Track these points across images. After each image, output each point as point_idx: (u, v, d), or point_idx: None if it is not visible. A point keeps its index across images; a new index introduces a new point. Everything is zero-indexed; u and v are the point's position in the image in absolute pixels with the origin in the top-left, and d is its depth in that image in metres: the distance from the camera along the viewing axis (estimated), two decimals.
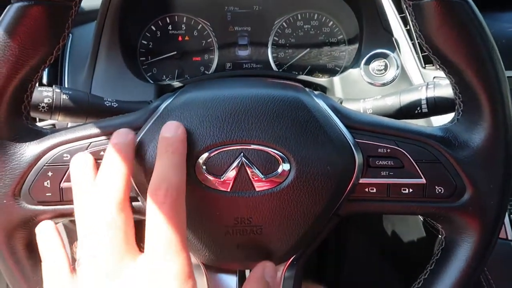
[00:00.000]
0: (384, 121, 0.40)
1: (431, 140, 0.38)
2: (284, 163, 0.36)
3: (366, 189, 0.38)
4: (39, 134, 0.38)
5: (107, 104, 0.52)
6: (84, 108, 0.50)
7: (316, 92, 0.42)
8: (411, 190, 0.38)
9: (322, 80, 0.72)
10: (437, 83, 0.49)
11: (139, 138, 0.37)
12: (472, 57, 0.35)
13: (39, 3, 0.33)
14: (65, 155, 0.37)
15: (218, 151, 0.36)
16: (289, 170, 0.36)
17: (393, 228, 0.82)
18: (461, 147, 0.37)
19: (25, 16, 0.33)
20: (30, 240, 0.38)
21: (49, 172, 0.37)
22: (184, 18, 0.78)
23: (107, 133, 0.38)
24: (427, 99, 0.49)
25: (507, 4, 0.74)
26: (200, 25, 0.78)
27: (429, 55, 0.37)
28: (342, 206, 0.38)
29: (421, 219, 0.71)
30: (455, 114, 0.39)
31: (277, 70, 0.79)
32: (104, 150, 0.37)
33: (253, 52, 0.79)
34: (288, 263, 0.40)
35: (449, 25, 0.35)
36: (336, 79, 0.71)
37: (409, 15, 0.37)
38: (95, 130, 0.38)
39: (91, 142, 0.38)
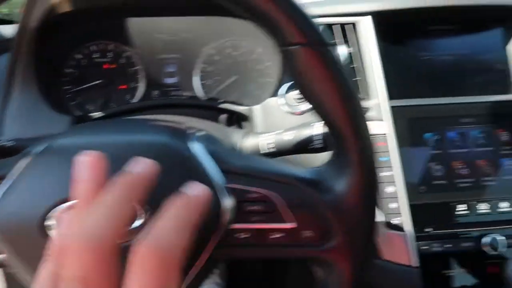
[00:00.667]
0: (260, 164, 0.40)
1: (301, 184, 0.38)
2: (144, 212, 0.36)
3: (236, 234, 0.38)
4: None
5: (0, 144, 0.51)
6: None
7: (199, 134, 0.42)
8: (282, 234, 0.38)
9: (242, 108, 0.72)
10: None
11: (1, 193, 0.37)
12: (336, 104, 0.36)
13: None
14: None
15: (71, 204, 0.35)
16: (147, 220, 0.36)
17: None
18: (330, 190, 0.38)
19: None
20: None
21: None
22: (111, 46, 0.78)
23: None
24: (320, 135, 0.50)
25: (419, 33, 0.76)
26: (127, 52, 0.78)
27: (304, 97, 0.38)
28: (214, 252, 0.38)
29: None
30: (331, 156, 0.40)
31: (205, 97, 0.79)
32: None
33: (181, 80, 0.80)
34: None
35: (313, 70, 0.36)
36: (257, 108, 0.72)
37: (282, 59, 0.38)
38: None
39: None
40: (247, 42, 0.80)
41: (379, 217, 0.59)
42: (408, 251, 0.59)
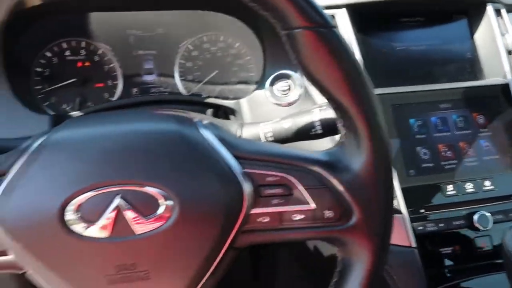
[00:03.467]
0: (273, 149, 0.39)
1: (316, 166, 0.38)
2: (166, 201, 0.34)
3: (259, 219, 0.37)
4: None
5: None
6: None
7: (205, 122, 0.41)
8: (302, 216, 0.37)
9: (229, 102, 0.71)
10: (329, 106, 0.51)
11: (2, 189, 0.33)
12: (348, 87, 0.36)
13: None
14: None
15: (91, 195, 0.33)
16: (172, 209, 0.34)
17: (315, 243, 0.84)
18: (345, 170, 0.38)
19: None
20: None
21: None
22: (83, 43, 0.74)
23: None
24: (320, 120, 0.50)
25: (393, 25, 0.79)
26: (101, 49, 0.74)
27: (309, 82, 0.38)
28: (236, 239, 0.37)
29: None
30: (339, 138, 0.40)
31: (186, 94, 0.77)
32: None
33: (160, 77, 0.77)
34: None
35: (319, 53, 0.35)
36: (243, 101, 0.71)
37: (285, 44, 0.37)
38: None
39: None
40: (225, 37, 0.79)
41: None
42: (405, 232, 0.60)
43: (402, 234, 0.60)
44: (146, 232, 0.34)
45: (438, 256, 0.62)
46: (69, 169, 0.33)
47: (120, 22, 0.76)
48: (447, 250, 0.62)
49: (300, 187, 0.37)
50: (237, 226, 0.37)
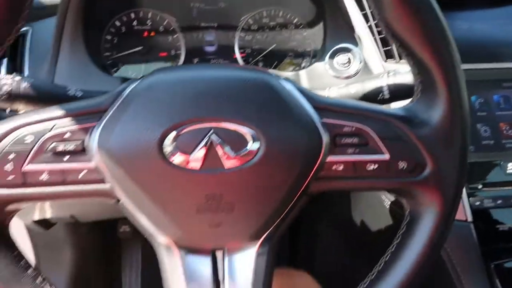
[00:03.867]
0: (349, 102, 0.41)
1: (393, 119, 0.39)
2: (254, 140, 0.36)
3: (333, 167, 0.39)
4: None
5: (71, 93, 0.50)
6: (47, 97, 0.49)
7: (283, 77, 0.43)
8: (376, 166, 0.39)
9: (288, 74, 0.73)
10: (398, 71, 0.52)
11: (103, 123, 0.37)
12: (428, 39, 0.37)
13: None
14: (27, 136, 0.36)
15: (187, 129, 0.36)
16: (258, 148, 0.36)
17: (362, 217, 0.85)
18: (421, 124, 0.39)
19: None
20: None
21: (11, 154, 0.36)
22: (149, 14, 0.78)
23: (72, 115, 0.37)
24: (388, 85, 0.51)
25: (459, 4, 0.78)
26: (166, 20, 0.78)
27: (388, 37, 0.39)
28: (310, 184, 0.39)
29: (388, 206, 0.74)
30: (414, 95, 0.41)
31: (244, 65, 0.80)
32: (69, 132, 0.37)
33: (220, 48, 0.80)
34: (261, 241, 0.40)
35: (405, 9, 0.36)
36: (302, 72, 0.72)
37: (368, 1, 0.38)
38: (59, 112, 0.37)
39: (55, 124, 0.37)
40: (284, 12, 0.81)
41: None
42: (462, 206, 0.60)
43: (459, 208, 0.60)
44: (233, 167, 0.36)
45: (494, 232, 0.62)
46: (168, 105, 0.36)
47: None
48: (504, 227, 0.62)
49: (376, 138, 0.39)
50: (312, 172, 0.39)
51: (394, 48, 0.69)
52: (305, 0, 0.78)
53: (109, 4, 0.76)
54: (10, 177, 0.36)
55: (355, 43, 0.72)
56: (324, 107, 0.40)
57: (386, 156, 0.39)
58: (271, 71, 0.45)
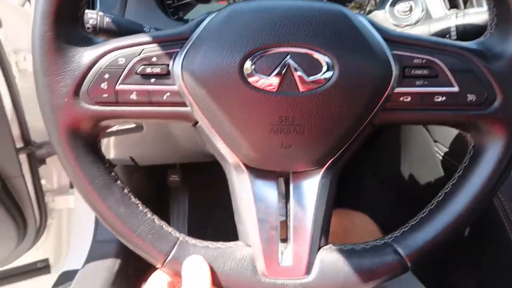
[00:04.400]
0: (420, 35, 0.42)
1: (465, 52, 0.40)
2: (328, 66, 0.38)
3: (401, 98, 0.40)
4: (94, 41, 0.41)
5: (146, 30, 0.54)
6: (126, 32, 0.52)
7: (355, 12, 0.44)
8: (444, 98, 0.40)
9: None
10: (466, 12, 0.51)
11: (186, 49, 0.40)
12: None
13: None
14: (120, 59, 0.40)
15: (267, 53, 0.38)
16: (332, 74, 0.38)
17: (411, 171, 0.85)
18: (495, 58, 0.40)
19: None
20: (88, 139, 0.41)
21: (106, 74, 0.40)
22: None
23: (158, 41, 0.40)
24: (456, 26, 0.51)
25: None
26: None
27: None
28: (377, 115, 0.41)
29: (440, 158, 0.74)
30: (488, 29, 0.41)
31: None
32: (155, 56, 0.40)
33: None
34: (325, 167, 0.43)
35: None
36: None
37: None
38: (147, 38, 0.41)
39: (143, 49, 0.40)
40: None
41: None
42: None
43: None
44: (307, 91, 0.38)
45: None
46: (248, 31, 0.38)
47: None
48: None
49: (446, 70, 0.40)
50: (380, 102, 0.40)
51: None
52: None
53: None
54: (105, 95, 0.40)
55: None
56: (394, 39, 0.41)
57: (455, 89, 0.40)
58: None
